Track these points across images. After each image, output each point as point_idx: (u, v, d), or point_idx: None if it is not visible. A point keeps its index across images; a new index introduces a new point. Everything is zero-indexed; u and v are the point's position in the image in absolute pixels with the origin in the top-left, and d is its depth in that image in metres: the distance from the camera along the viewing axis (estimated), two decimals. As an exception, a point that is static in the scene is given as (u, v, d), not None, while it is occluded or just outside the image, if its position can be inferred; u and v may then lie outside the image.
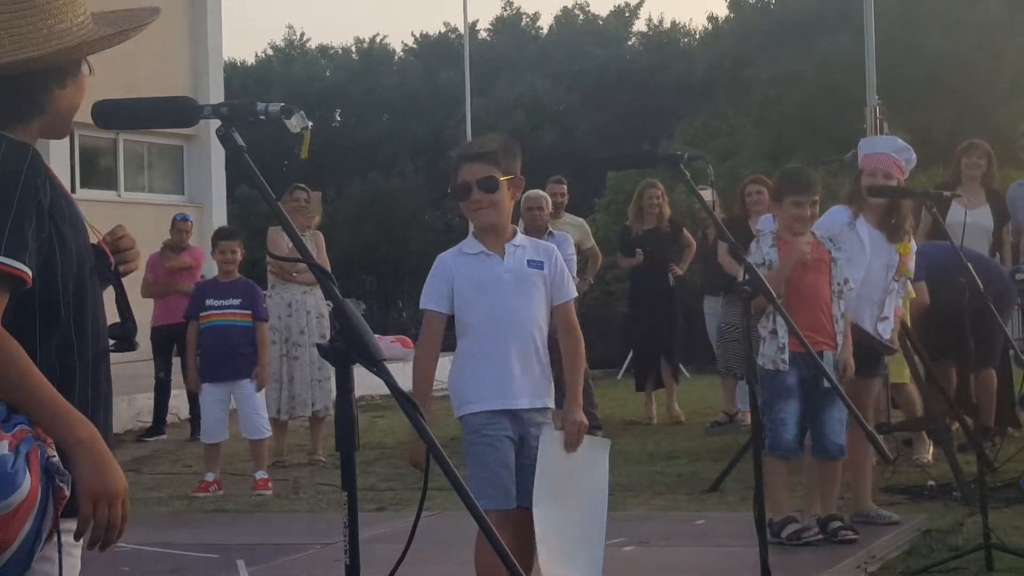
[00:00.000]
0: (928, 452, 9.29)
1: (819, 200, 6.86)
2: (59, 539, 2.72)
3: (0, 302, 2.72)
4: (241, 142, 2.79)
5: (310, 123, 2.92)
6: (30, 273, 2.73)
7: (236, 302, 9.60)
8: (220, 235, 10.14)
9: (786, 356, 6.57)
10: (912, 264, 7.47)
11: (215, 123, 2.84)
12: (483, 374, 4.96)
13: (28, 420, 2.70)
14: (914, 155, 7.35)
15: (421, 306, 5.06)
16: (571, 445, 4.96)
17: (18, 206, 2.72)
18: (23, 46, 2.77)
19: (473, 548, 5.02)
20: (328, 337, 10.74)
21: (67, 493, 2.72)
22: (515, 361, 4.92)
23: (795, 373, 6.64)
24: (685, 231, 12.83)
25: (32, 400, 2.71)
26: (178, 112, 2.88)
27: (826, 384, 6.10)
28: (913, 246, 7.48)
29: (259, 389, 9.64)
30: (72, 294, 2.86)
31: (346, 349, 2.68)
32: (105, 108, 2.87)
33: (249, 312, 9.61)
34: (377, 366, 2.66)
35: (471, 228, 5.14)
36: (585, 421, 5.03)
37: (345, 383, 2.72)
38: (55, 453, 2.73)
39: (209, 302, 9.65)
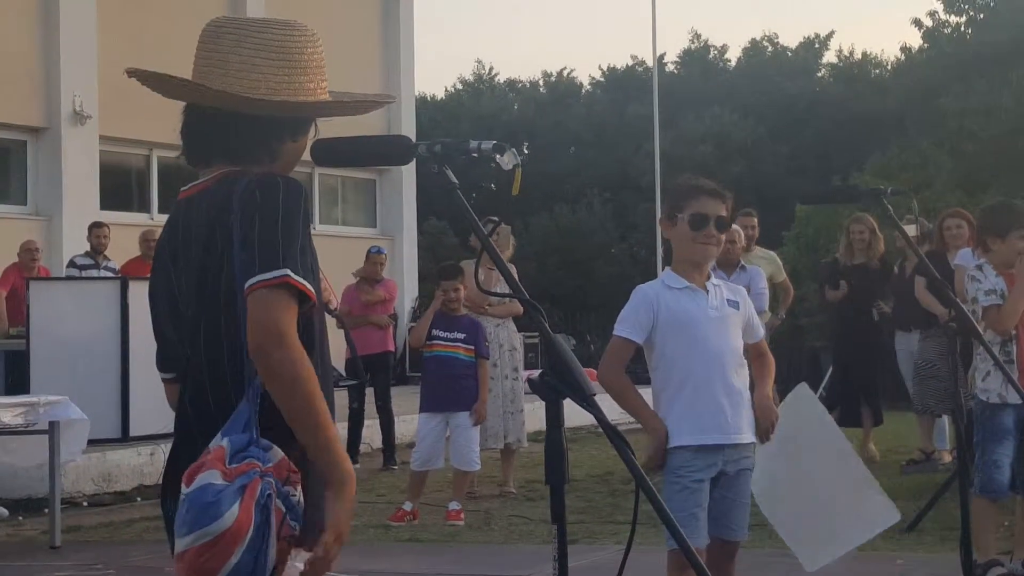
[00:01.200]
0: None
1: None
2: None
3: (292, 315, 2.82)
4: (454, 179, 2.86)
5: (520, 160, 2.96)
6: (315, 293, 2.87)
7: (461, 336, 9.80)
8: (445, 274, 10.17)
9: (1002, 391, 6.36)
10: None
11: (409, 157, 2.93)
12: (691, 408, 4.95)
13: (266, 457, 2.77)
14: None
15: (617, 333, 5.06)
16: (763, 432, 4.98)
17: (301, 235, 2.88)
18: (276, 92, 2.96)
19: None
20: (519, 370, 10.85)
21: (296, 534, 2.79)
22: (723, 396, 4.93)
23: (1013, 413, 6.48)
24: (896, 267, 12.58)
25: (308, 421, 2.79)
26: (395, 150, 2.97)
27: None
28: None
29: (476, 424, 9.78)
30: (318, 324, 2.98)
31: (557, 384, 2.71)
32: (325, 147, 2.97)
33: (472, 348, 9.78)
34: (588, 401, 2.69)
35: (661, 262, 5.15)
36: (775, 410, 5.07)
37: (555, 417, 2.75)
38: (297, 493, 2.79)
39: (435, 332, 9.84)
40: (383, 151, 3.01)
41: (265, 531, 2.71)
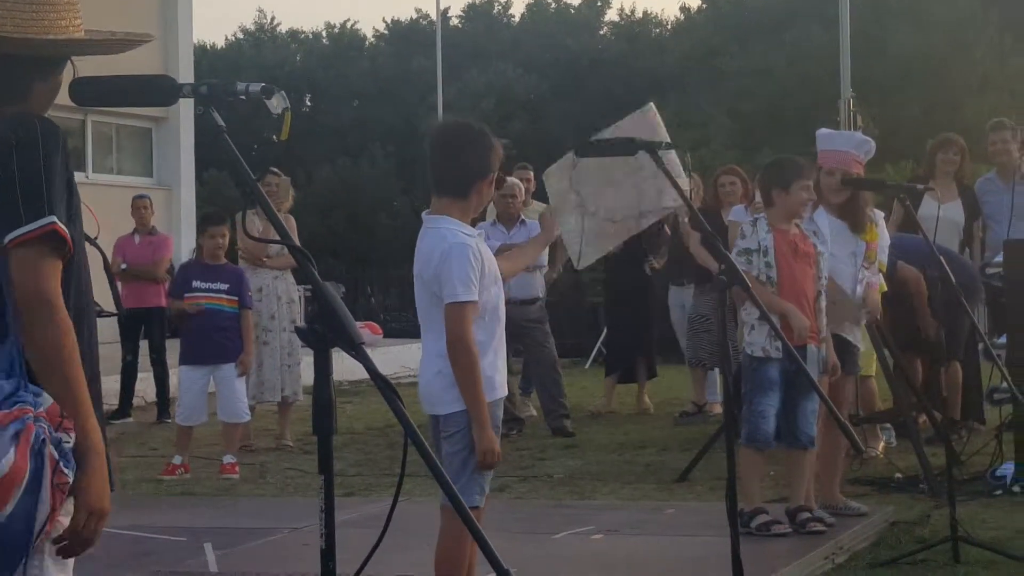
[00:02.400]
0: (879, 446, 9.33)
1: None
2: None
3: (58, 275, 2.78)
4: (221, 122, 2.78)
5: (289, 104, 2.90)
6: (75, 243, 2.82)
7: (224, 287, 9.57)
8: (208, 220, 10.03)
9: (779, 344, 6.48)
10: (882, 250, 7.45)
11: (185, 105, 2.85)
12: None
13: (36, 402, 2.71)
14: (873, 145, 7.35)
15: (463, 298, 4.72)
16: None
17: (59, 176, 2.80)
18: (22, 29, 2.85)
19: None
20: (297, 322, 10.70)
21: (68, 479, 2.74)
22: None
23: (778, 365, 6.65)
24: (665, 225, 12.79)
25: (65, 388, 2.76)
26: (158, 90, 2.88)
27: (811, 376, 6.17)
28: (883, 233, 7.46)
29: (241, 375, 9.60)
30: (79, 268, 2.92)
31: (325, 332, 2.66)
32: (83, 85, 2.87)
33: (236, 298, 9.57)
34: (356, 349, 2.65)
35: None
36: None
37: (323, 366, 2.71)
38: (71, 440, 2.74)
39: (196, 283, 9.60)
40: (146, 90, 2.91)
41: (40, 477, 2.67)
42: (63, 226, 2.78)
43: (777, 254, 6.75)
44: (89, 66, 2.99)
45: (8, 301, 2.77)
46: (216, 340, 9.50)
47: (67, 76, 2.99)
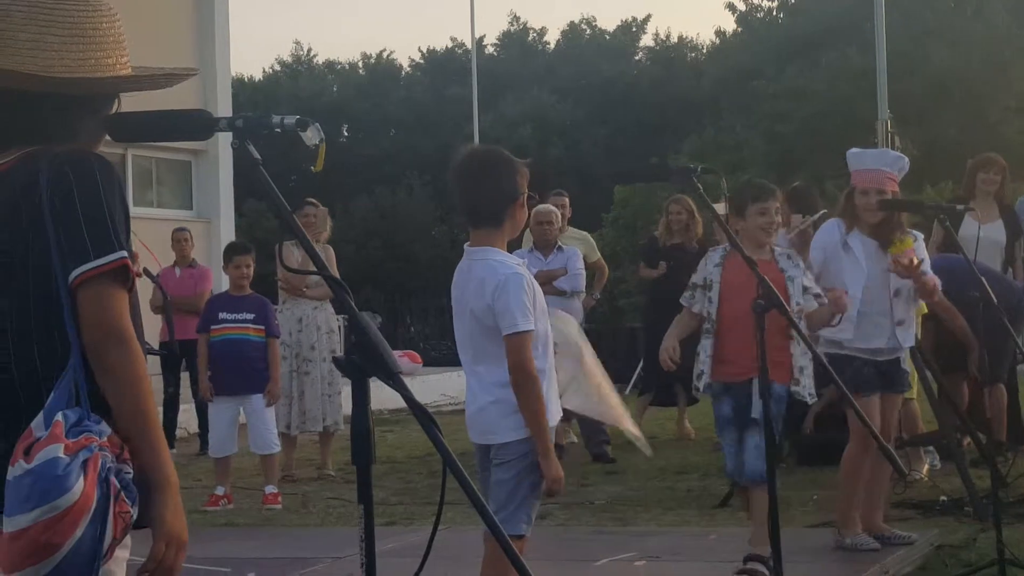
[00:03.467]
0: (923, 468, 9.25)
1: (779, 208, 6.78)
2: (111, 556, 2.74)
3: (127, 307, 2.83)
4: (256, 155, 2.79)
5: (323, 135, 2.91)
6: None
7: (250, 317, 9.57)
8: (234, 250, 10.10)
9: (702, 383, 6.57)
10: (921, 258, 7.29)
11: (224, 138, 2.86)
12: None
13: (99, 431, 2.73)
14: (907, 162, 7.24)
15: (523, 328, 4.74)
16: None
17: (119, 211, 2.85)
18: (72, 70, 2.89)
19: (479, 564, 4.99)
20: (337, 352, 10.71)
21: (132, 513, 2.76)
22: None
23: (729, 400, 6.57)
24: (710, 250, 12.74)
25: (142, 422, 2.79)
26: (194, 125, 2.89)
27: (752, 414, 6.13)
28: (923, 254, 7.31)
29: (269, 405, 9.61)
30: (135, 304, 2.95)
31: (362, 362, 2.66)
32: (120, 121, 2.89)
33: (263, 328, 9.58)
34: (394, 379, 2.64)
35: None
36: None
37: (361, 396, 2.70)
38: (131, 471, 2.76)
39: (222, 315, 9.62)
40: (182, 125, 2.92)
41: (106, 506, 2.68)
42: (129, 262, 2.83)
43: (723, 287, 6.59)
44: (128, 101, 3.01)
45: (71, 334, 2.79)
46: (243, 370, 9.50)
47: (114, 111, 3.03)
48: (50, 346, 2.83)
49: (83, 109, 2.96)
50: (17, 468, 2.68)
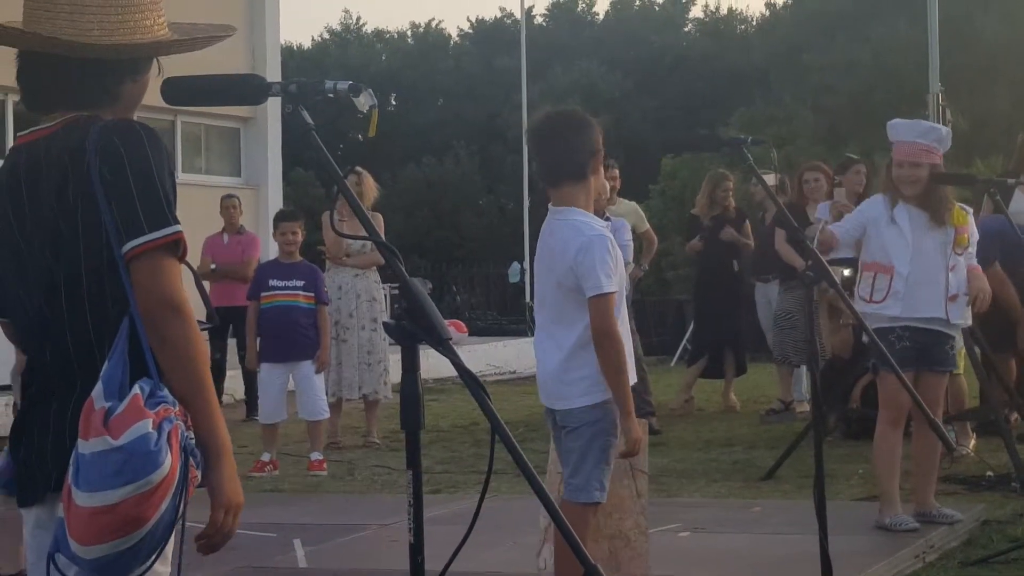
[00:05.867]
0: (971, 443, 9.21)
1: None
2: (183, 524, 2.77)
3: (180, 278, 2.85)
4: (310, 120, 2.80)
5: (376, 101, 2.91)
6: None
7: (300, 283, 9.61)
8: (281, 217, 10.13)
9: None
10: (972, 234, 7.22)
11: (273, 106, 2.86)
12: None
13: (169, 398, 2.75)
14: (945, 132, 7.13)
15: (607, 289, 4.74)
16: None
17: (169, 183, 2.87)
18: (110, 34, 2.89)
19: (527, 533, 5.01)
20: (379, 320, 10.71)
21: (199, 475, 2.80)
22: None
23: None
24: (747, 223, 12.75)
25: (199, 390, 2.82)
26: (247, 89, 2.90)
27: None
28: (972, 229, 7.25)
29: (319, 371, 9.65)
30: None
31: (412, 328, 2.66)
32: (174, 84, 2.89)
33: (312, 295, 9.62)
34: (444, 345, 2.64)
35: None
36: None
37: (411, 362, 2.71)
38: (192, 436, 2.80)
39: (272, 282, 9.66)
40: (236, 90, 2.93)
41: (185, 475, 2.73)
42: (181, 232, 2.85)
43: None
44: (178, 67, 3.02)
45: (131, 304, 2.80)
46: (293, 337, 9.54)
47: (154, 74, 3.04)
48: (102, 315, 2.85)
49: (123, 72, 2.97)
50: (100, 443, 2.67)
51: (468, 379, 2.63)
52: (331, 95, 2.81)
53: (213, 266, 12.76)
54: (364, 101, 2.82)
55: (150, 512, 2.67)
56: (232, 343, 12.88)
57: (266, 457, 9.59)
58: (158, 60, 3.04)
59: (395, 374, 11.17)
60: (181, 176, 19.61)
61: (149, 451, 2.66)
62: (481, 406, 2.63)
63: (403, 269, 2.71)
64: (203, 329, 2.93)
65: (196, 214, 11.43)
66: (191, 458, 2.76)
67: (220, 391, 12.91)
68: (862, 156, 11.77)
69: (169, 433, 2.69)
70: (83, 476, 2.68)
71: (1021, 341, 8.95)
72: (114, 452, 2.66)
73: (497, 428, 2.61)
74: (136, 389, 2.72)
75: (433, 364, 15.87)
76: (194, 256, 11.91)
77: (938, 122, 8.92)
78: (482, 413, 2.65)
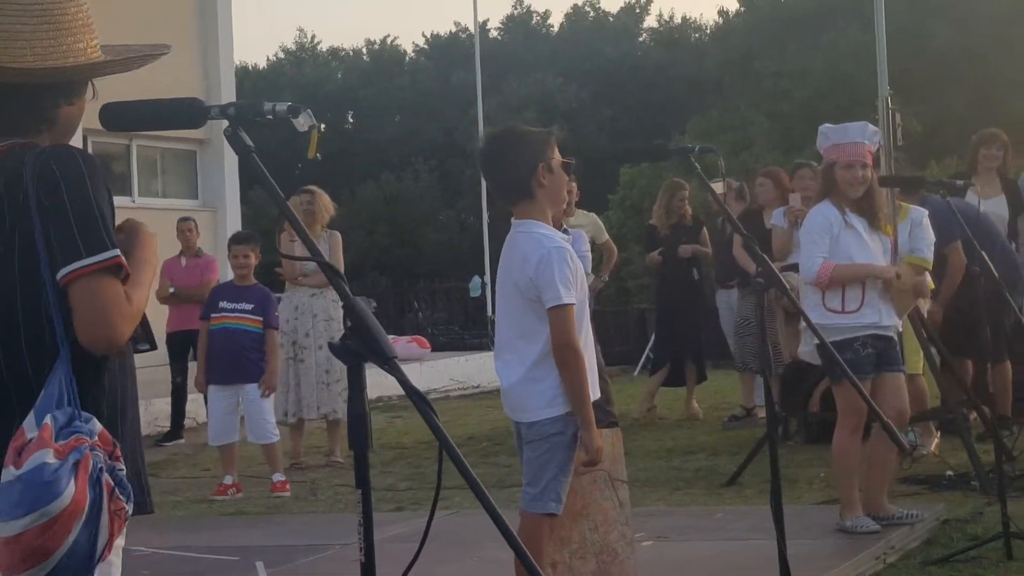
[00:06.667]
0: (933, 443, 9.26)
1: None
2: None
3: (121, 295, 2.84)
4: (249, 142, 2.80)
5: (317, 122, 2.92)
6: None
7: (248, 307, 9.59)
8: (235, 240, 10.13)
9: None
10: (928, 247, 7.32)
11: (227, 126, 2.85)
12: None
13: (90, 430, 2.73)
14: (881, 136, 7.19)
15: (567, 301, 4.74)
16: None
17: (107, 207, 2.86)
18: (43, 58, 2.89)
19: (487, 547, 5.01)
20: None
21: (127, 509, 2.76)
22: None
23: None
24: (705, 230, 12.81)
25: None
26: (186, 113, 2.89)
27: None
28: (928, 232, 7.35)
29: (265, 395, 9.62)
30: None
31: (357, 347, 2.67)
32: (113, 110, 2.89)
33: (260, 318, 9.60)
34: (389, 364, 2.65)
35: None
36: None
37: (357, 381, 2.71)
38: (123, 468, 2.78)
39: (222, 304, 9.66)
40: (174, 115, 2.93)
41: (99, 506, 2.69)
42: (123, 258, 2.83)
43: None
44: (130, 89, 3.02)
45: (59, 331, 2.78)
46: (238, 360, 9.52)
47: (89, 97, 3.03)
48: (39, 344, 2.83)
49: (58, 95, 2.97)
50: (7, 473, 2.68)
51: (415, 397, 2.64)
52: (270, 116, 2.82)
53: (172, 289, 12.71)
54: (303, 122, 2.83)
55: (53, 543, 2.65)
56: (193, 366, 12.82)
57: (228, 480, 9.55)
58: (93, 83, 3.04)
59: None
60: (138, 200, 19.56)
61: (44, 481, 2.63)
62: (428, 423, 2.64)
63: (347, 289, 2.71)
64: (139, 352, 2.92)
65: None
66: (118, 489, 2.73)
67: (182, 415, 12.86)
68: (817, 160, 11.86)
69: (76, 463, 2.66)
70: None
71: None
72: (16, 482, 2.66)
73: (445, 444, 2.62)
74: (48, 419, 2.70)
75: (395, 380, 15.87)
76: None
77: (888, 126, 8.95)
78: (452, 430, 2.65)
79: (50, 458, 2.64)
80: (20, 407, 2.81)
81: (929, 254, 7.47)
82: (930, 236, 7.48)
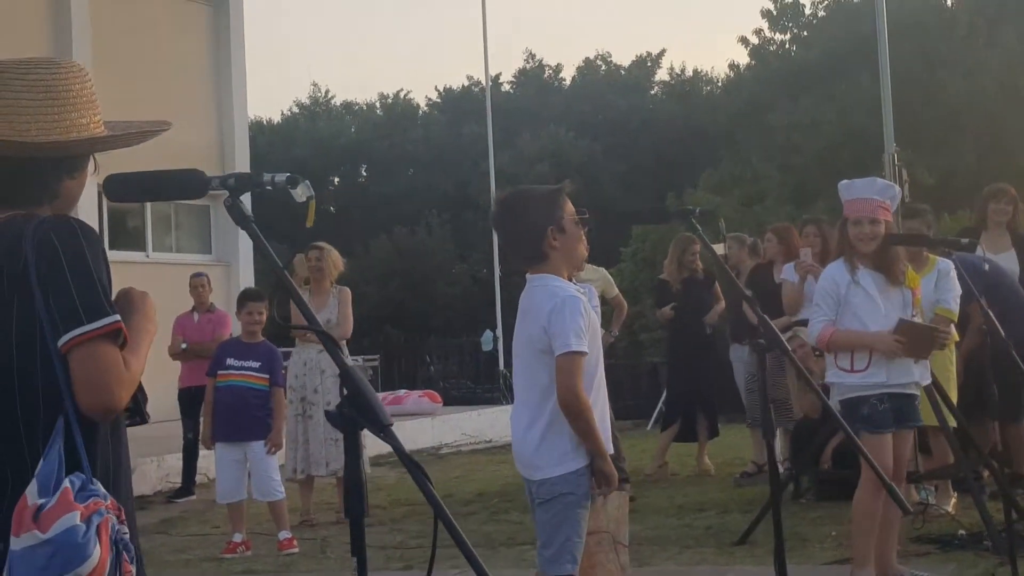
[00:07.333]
0: (951, 502, 9.20)
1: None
2: None
3: (119, 361, 2.87)
4: (248, 212, 2.84)
5: (314, 192, 2.95)
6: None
7: (255, 364, 9.63)
8: (246, 296, 10.14)
9: None
10: (954, 300, 7.33)
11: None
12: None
13: (100, 492, 2.77)
14: (898, 191, 7.18)
15: (576, 348, 4.73)
16: None
17: (105, 275, 2.90)
18: (47, 132, 2.95)
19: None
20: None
21: (132, 569, 2.80)
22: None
23: None
24: (717, 284, 12.80)
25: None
26: (188, 184, 2.95)
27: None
28: (955, 285, 7.35)
29: (271, 453, 9.62)
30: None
31: (353, 415, 2.69)
32: (116, 181, 2.94)
33: (267, 376, 9.63)
34: (384, 431, 2.67)
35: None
36: None
37: (353, 448, 2.73)
38: (127, 530, 2.82)
39: (229, 361, 9.69)
40: (175, 186, 2.99)
41: (118, 567, 2.75)
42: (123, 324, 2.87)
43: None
44: (144, 149, 3.07)
45: (66, 399, 2.81)
46: (243, 418, 9.55)
47: (91, 171, 3.09)
48: (32, 410, 2.86)
49: (61, 169, 3.02)
50: (29, 538, 2.70)
51: (409, 465, 2.66)
52: (269, 187, 2.86)
53: (184, 345, 12.73)
54: (301, 192, 2.87)
55: None
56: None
57: (237, 538, 9.54)
58: (94, 157, 3.08)
59: (370, 448, 11.13)
60: (152, 255, 19.65)
61: (77, 543, 2.68)
62: (422, 490, 2.66)
63: (341, 355, 2.75)
64: (130, 425, 2.95)
65: (167, 293, 11.42)
66: (126, 553, 2.77)
67: (193, 471, 12.85)
68: (830, 213, 11.86)
69: (99, 526, 2.72)
70: (15, 571, 2.70)
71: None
72: (43, 546, 2.69)
73: (437, 510, 2.64)
74: (67, 483, 2.74)
75: (409, 435, 15.84)
76: (164, 335, 11.91)
77: (895, 182, 8.96)
78: (460, 488, 2.66)
79: (79, 520, 2.69)
80: (12, 475, 2.84)
81: (955, 306, 7.45)
82: (956, 288, 7.46)
